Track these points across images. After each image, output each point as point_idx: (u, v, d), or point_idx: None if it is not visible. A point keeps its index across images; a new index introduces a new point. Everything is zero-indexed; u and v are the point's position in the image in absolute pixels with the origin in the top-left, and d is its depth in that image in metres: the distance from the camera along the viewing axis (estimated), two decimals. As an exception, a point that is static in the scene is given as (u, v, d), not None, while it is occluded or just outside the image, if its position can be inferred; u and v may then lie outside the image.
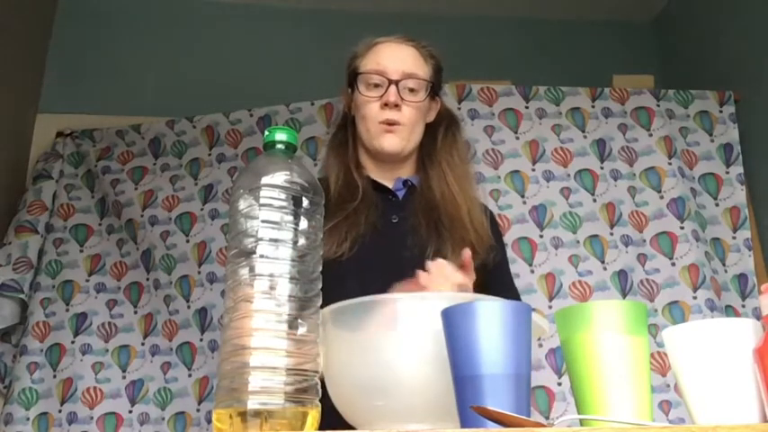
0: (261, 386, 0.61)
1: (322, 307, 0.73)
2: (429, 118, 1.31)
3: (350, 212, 1.13)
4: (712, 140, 2.25)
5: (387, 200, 1.26)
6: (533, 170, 2.18)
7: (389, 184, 1.29)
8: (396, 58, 1.25)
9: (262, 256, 0.65)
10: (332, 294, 0.77)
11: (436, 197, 1.25)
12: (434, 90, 1.29)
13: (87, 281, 2.17)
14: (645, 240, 2.11)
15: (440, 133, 1.32)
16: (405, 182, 1.30)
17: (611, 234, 2.11)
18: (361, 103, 1.26)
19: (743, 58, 2.37)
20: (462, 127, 1.38)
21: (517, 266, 2.05)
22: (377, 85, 1.24)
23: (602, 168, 2.18)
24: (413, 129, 1.26)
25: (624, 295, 2.02)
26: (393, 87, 1.22)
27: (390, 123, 1.23)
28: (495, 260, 1.25)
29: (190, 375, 2.06)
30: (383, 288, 0.98)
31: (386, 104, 1.22)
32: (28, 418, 2.00)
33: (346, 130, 1.33)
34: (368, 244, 1.17)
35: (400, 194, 1.29)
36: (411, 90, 1.24)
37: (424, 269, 1.02)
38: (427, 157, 1.31)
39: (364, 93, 1.24)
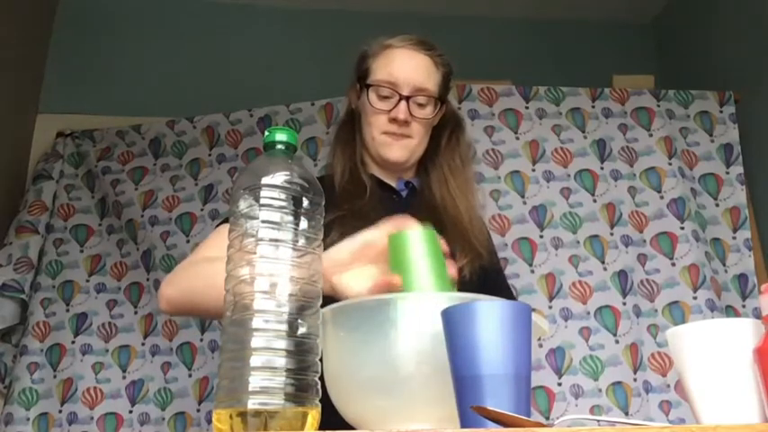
0: (261, 386, 0.61)
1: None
2: (433, 122, 1.31)
3: (359, 207, 1.14)
4: (712, 141, 2.25)
5: (391, 199, 1.27)
6: (533, 170, 2.18)
7: (393, 184, 1.30)
8: (408, 69, 1.23)
9: (262, 257, 0.65)
10: None
11: (437, 200, 1.26)
12: (441, 99, 1.28)
13: (87, 281, 2.17)
14: (645, 240, 2.10)
15: (444, 137, 1.32)
16: (407, 183, 1.31)
17: (612, 234, 2.10)
18: (369, 112, 1.25)
19: (743, 58, 2.37)
20: (466, 129, 1.38)
21: (517, 266, 2.05)
22: (386, 97, 1.23)
23: (602, 168, 2.18)
24: (420, 141, 1.26)
25: (624, 295, 2.02)
26: (403, 104, 1.21)
27: (397, 136, 1.23)
28: (495, 266, 1.25)
29: (190, 375, 2.06)
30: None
31: (394, 119, 1.22)
32: (28, 419, 2.00)
33: (353, 126, 1.32)
34: None
35: (403, 195, 1.30)
36: (420, 105, 1.23)
37: None
38: (429, 160, 1.31)
39: (374, 103, 1.23)
